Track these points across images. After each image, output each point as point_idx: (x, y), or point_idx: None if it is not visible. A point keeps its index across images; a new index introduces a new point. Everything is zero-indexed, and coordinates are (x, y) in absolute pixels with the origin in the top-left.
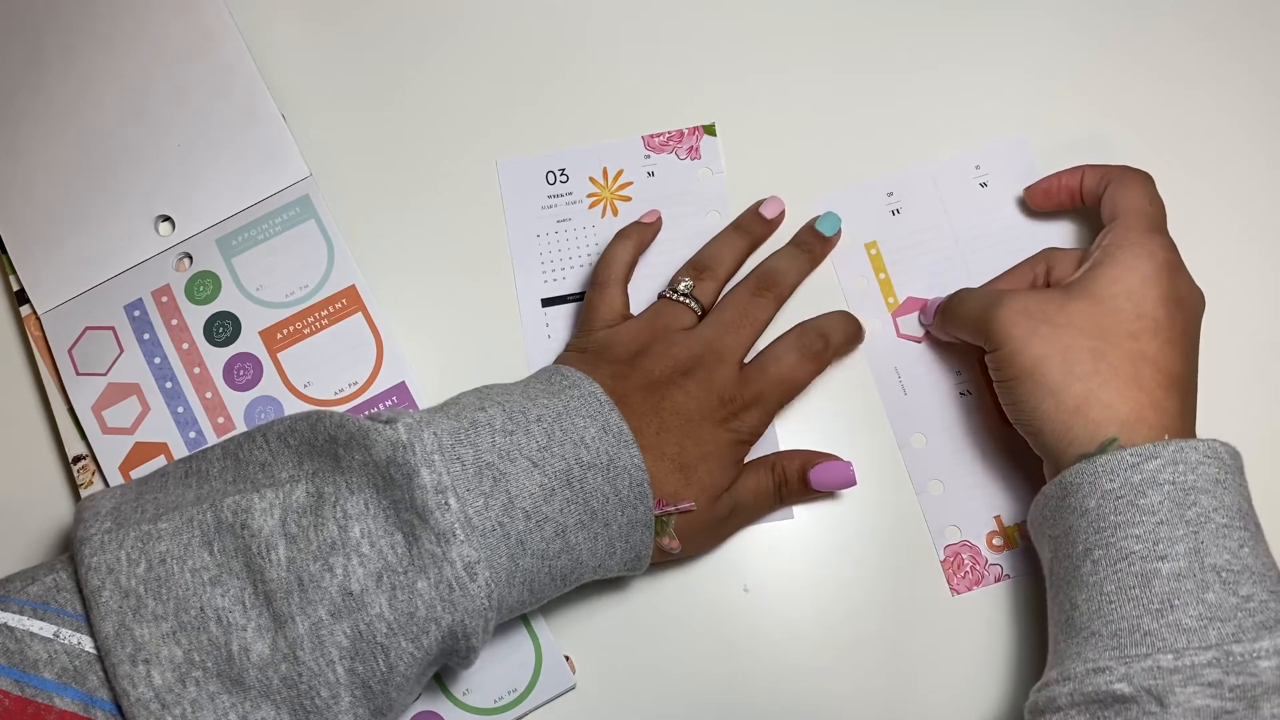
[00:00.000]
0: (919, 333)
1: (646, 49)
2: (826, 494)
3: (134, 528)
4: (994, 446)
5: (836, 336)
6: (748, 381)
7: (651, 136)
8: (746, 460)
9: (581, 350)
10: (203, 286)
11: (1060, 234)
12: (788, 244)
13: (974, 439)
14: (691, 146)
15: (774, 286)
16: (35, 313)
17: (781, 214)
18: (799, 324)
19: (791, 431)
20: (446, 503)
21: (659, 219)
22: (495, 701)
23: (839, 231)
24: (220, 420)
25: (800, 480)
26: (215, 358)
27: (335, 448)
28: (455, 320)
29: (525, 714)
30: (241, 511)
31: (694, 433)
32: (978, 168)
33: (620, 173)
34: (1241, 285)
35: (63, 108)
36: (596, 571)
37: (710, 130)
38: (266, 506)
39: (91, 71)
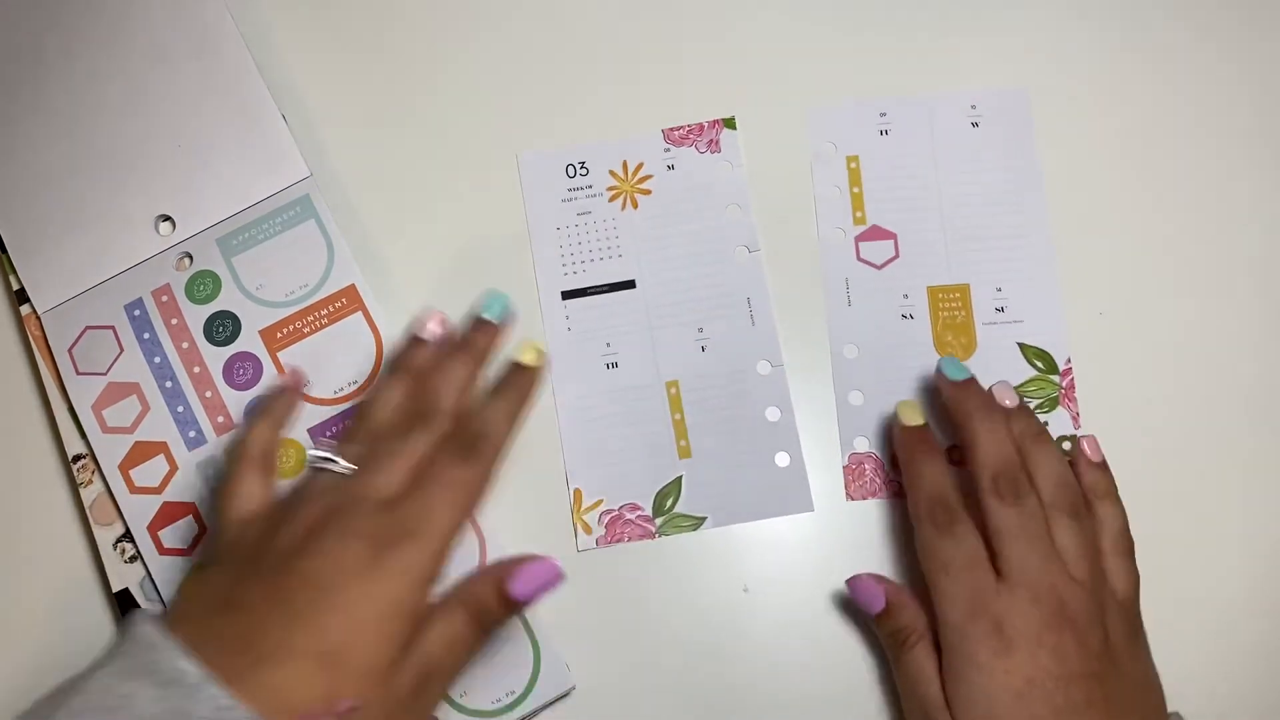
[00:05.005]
0: (877, 260)
1: (667, 42)
2: (539, 599)
3: None
4: (922, 373)
5: (497, 436)
6: (395, 509)
7: (671, 130)
8: (433, 602)
9: (206, 565)
10: (203, 286)
11: (1040, 201)
12: (449, 358)
13: (905, 361)
14: (711, 140)
15: (430, 413)
16: (35, 312)
17: (447, 326)
18: (448, 434)
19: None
20: None
21: (301, 380)
22: (493, 704)
23: (509, 314)
24: (220, 419)
25: (501, 603)
26: (215, 357)
27: None
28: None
29: (524, 716)
30: None
31: (335, 602)
32: (974, 107)
33: (640, 166)
34: (1239, 286)
35: (63, 108)
36: None
37: (730, 124)
38: None
39: (91, 72)
